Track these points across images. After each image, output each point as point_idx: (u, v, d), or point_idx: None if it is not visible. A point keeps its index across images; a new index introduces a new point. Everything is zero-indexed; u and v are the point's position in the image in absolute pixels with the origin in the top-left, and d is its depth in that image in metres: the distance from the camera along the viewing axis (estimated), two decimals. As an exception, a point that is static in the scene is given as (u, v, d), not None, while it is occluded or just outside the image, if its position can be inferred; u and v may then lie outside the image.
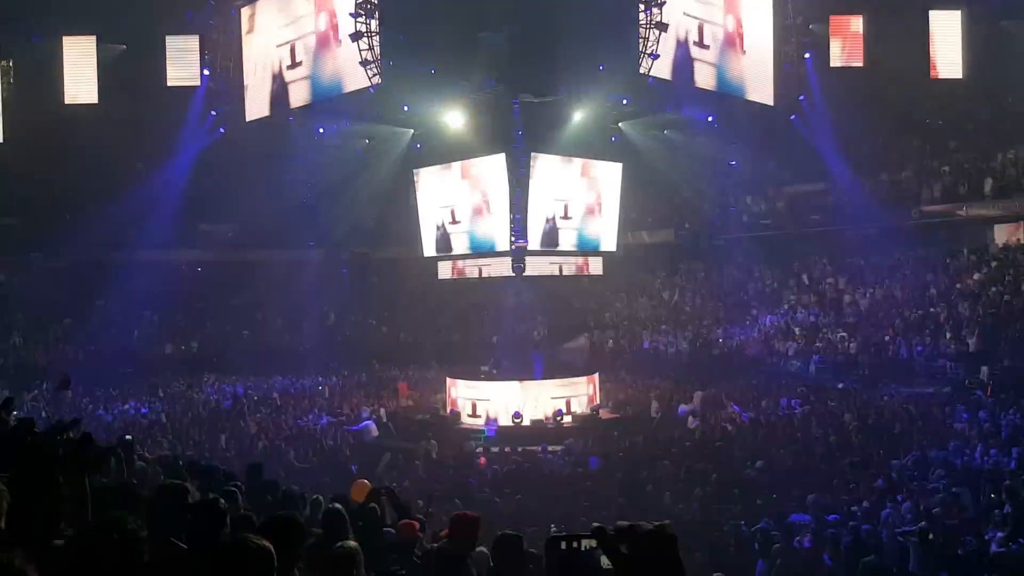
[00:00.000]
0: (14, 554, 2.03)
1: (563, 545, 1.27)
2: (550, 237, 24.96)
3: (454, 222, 26.09)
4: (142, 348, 28.27)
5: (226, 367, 27.73)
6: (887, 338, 22.62)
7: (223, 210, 30.12)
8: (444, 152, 26.53)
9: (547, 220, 24.81)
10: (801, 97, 26.15)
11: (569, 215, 25.30)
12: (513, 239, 24.29)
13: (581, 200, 25.75)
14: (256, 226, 30.23)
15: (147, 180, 27.70)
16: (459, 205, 25.91)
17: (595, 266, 27.24)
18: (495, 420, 21.07)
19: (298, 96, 25.24)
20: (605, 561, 1.21)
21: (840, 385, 21.26)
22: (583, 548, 1.25)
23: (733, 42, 24.56)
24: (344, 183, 29.14)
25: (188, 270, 31.36)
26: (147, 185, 27.49)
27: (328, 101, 24.65)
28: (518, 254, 24.27)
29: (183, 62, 27.05)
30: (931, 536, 11.16)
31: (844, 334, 23.49)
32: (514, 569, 5.11)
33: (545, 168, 24.69)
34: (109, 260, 27.35)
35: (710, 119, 26.60)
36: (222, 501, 4.03)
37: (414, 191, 27.16)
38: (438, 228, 26.44)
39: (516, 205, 24.19)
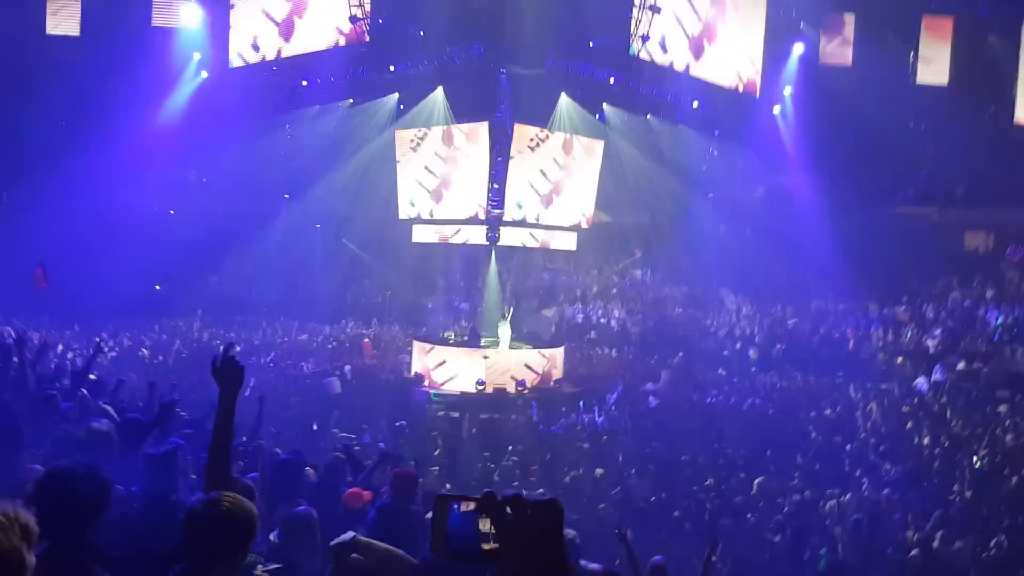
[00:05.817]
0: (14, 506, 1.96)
1: (444, 504, 1.30)
2: (526, 209, 24.91)
3: (432, 187, 25.91)
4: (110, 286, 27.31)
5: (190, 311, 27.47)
6: (848, 332, 23.15)
7: (201, 159, 29.31)
8: (426, 116, 26.35)
9: (525, 192, 24.76)
10: (786, 92, 26.30)
11: (547, 189, 25.24)
12: (490, 208, 24.24)
13: (560, 175, 25.69)
14: (231, 176, 29.60)
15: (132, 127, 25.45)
16: (438, 170, 25.72)
17: (568, 241, 27.26)
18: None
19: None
20: (485, 525, 1.25)
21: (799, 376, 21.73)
22: (463, 509, 1.28)
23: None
24: (326, 142, 28.78)
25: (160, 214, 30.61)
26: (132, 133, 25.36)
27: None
28: (494, 223, 24.23)
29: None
30: (862, 528, 11.57)
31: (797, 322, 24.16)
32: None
33: (527, 140, 24.58)
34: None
35: (695, 104, 26.64)
36: None
37: (394, 152, 26.90)
38: (415, 191, 26.22)
39: (495, 175, 24.11)
